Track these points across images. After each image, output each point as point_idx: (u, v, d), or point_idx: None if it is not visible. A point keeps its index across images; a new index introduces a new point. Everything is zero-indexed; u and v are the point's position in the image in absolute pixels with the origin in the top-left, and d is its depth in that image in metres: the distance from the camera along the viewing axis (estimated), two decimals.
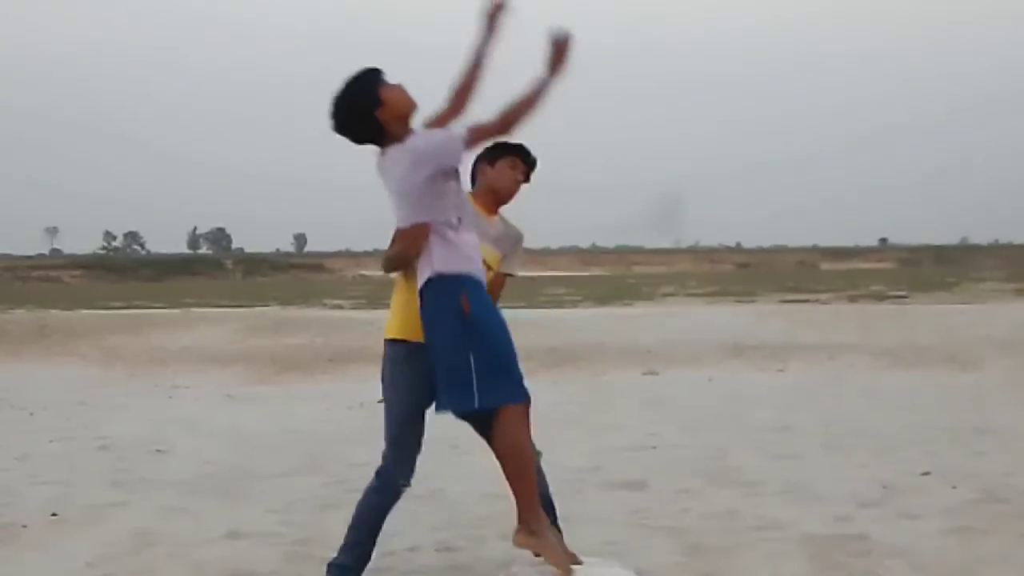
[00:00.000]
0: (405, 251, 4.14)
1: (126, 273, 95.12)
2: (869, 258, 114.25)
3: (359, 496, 4.37)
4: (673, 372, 12.91)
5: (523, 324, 18.85)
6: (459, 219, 4.11)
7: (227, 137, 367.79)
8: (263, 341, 17.07)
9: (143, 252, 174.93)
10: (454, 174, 4.12)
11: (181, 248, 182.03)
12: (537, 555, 4.26)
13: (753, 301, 28.78)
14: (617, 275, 74.09)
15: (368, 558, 4.36)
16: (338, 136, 4.15)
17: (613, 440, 8.23)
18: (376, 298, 29.71)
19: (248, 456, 7.82)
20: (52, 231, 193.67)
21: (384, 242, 4.47)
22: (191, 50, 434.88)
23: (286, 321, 19.35)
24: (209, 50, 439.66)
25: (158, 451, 8.08)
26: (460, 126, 4.11)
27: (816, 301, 27.73)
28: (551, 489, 4.59)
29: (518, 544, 4.25)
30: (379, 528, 4.36)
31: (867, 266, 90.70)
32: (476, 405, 4.06)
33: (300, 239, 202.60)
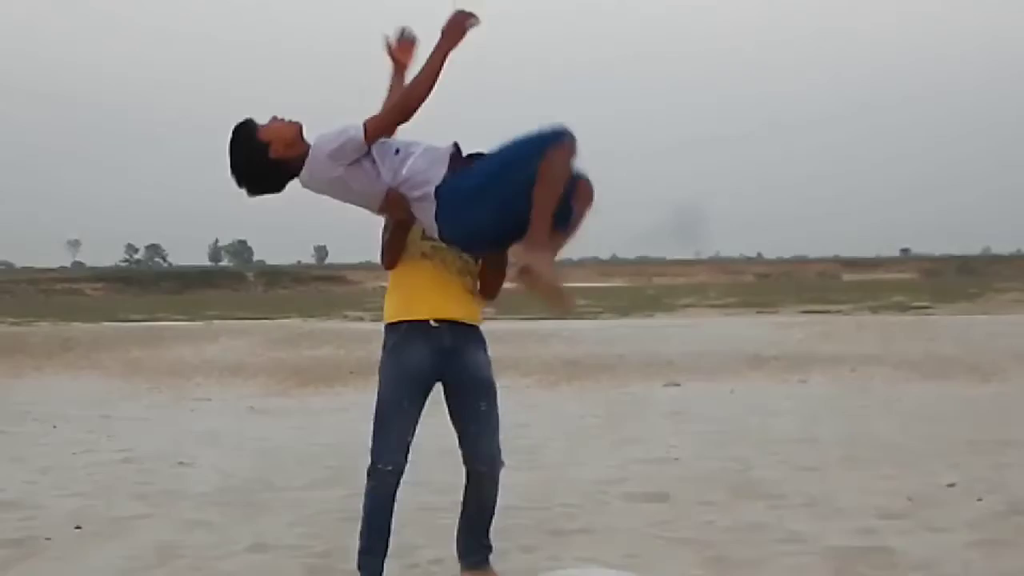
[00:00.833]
0: (393, 215, 4.17)
1: (148, 286, 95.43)
2: (891, 269, 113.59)
3: None
4: (695, 384, 12.87)
5: (544, 335, 18.97)
6: (402, 172, 4.01)
7: None
8: (285, 353, 17.12)
9: (165, 265, 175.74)
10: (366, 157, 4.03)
11: (203, 261, 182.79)
12: None
13: (774, 312, 28.73)
14: (637, 286, 73.95)
15: (384, 551, 4.44)
16: (261, 196, 4.12)
17: (636, 452, 8.20)
18: None
19: (270, 468, 7.84)
20: (74, 244, 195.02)
21: None
22: (212, 67, 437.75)
23: (307, 333, 19.42)
24: (231, 63, 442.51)
25: (181, 464, 8.10)
26: (357, 121, 4.00)
27: (838, 312, 27.67)
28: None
29: None
30: (385, 522, 4.43)
31: (889, 277, 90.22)
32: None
33: (321, 251, 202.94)
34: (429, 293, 4.38)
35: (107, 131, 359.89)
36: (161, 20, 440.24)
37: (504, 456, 4.58)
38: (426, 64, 4.00)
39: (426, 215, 4.02)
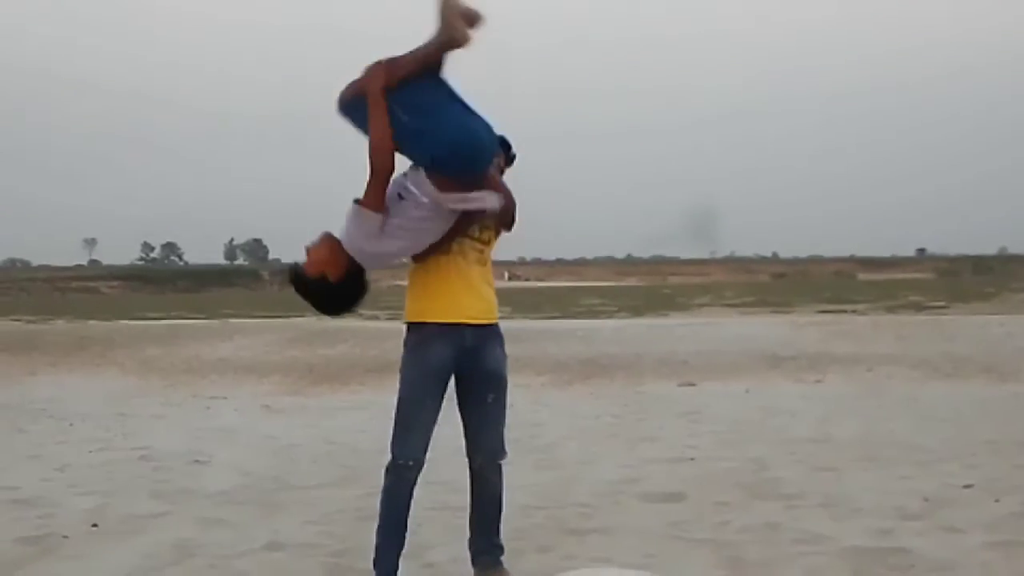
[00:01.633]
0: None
1: (164, 284, 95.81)
2: (907, 268, 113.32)
3: None
4: (710, 383, 12.85)
5: (559, 334, 18.97)
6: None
7: (263, 148, 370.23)
8: (300, 352, 17.15)
9: (181, 263, 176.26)
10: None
11: (218, 259, 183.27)
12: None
13: (790, 312, 28.62)
14: (652, 286, 73.79)
15: (400, 549, 4.46)
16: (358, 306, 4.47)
17: (651, 452, 8.19)
18: None
19: (287, 467, 7.85)
20: (91, 242, 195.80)
21: None
22: (230, 63, 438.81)
23: (323, 332, 19.41)
24: (246, 58, 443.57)
25: (197, 461, 8.12)
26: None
27: (854, 312, 27.56)
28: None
29: None
30: (402, 519, 4.45)
31: (905, 276, 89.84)
32: None
33: None
34: (452, 292, 4.38)
35: (124, 130, 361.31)
36: (165, 18, 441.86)
37: (515, 453, 4.58)
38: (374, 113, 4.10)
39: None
